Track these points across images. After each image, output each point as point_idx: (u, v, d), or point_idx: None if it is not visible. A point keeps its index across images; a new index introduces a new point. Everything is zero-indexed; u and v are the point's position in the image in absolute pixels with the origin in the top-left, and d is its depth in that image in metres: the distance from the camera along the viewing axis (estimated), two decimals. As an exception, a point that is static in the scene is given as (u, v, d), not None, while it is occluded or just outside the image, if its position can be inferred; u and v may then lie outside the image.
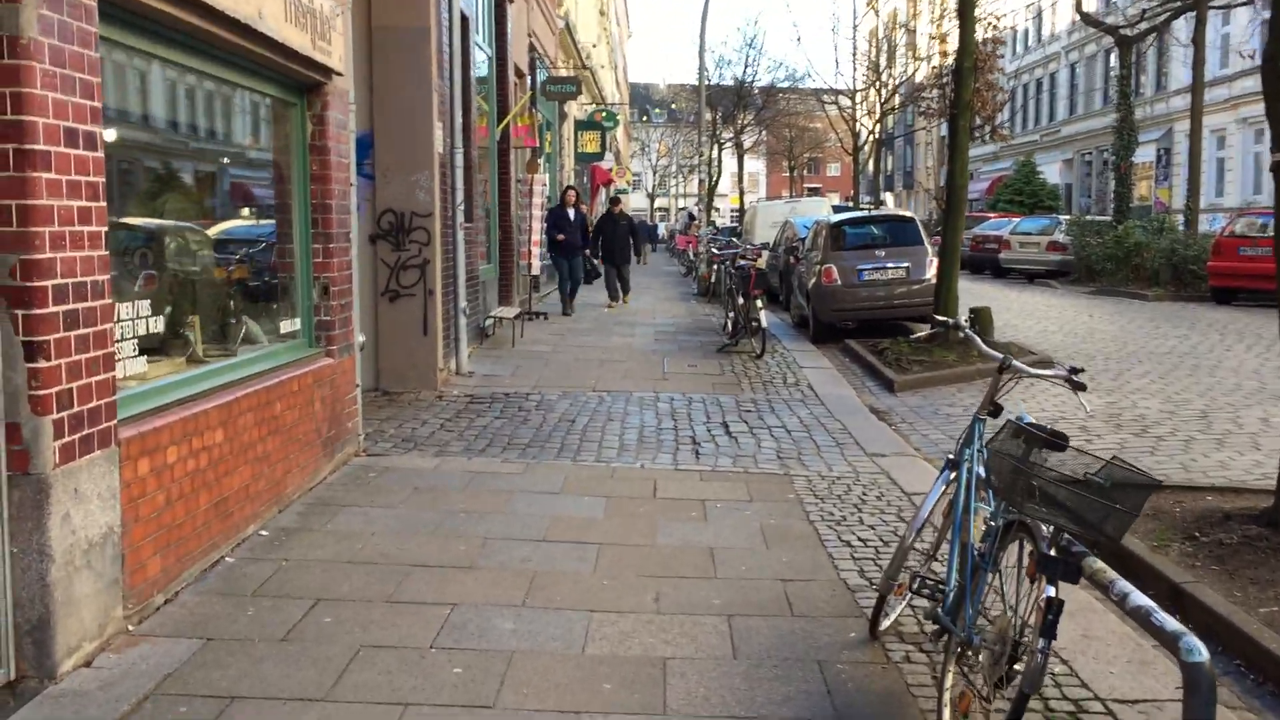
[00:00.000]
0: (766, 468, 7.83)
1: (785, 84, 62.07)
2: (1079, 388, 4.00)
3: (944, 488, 4.37)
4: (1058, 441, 3.49)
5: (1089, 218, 27.78)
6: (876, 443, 8.68)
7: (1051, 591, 3.20)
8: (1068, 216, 28.42)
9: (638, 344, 14.45)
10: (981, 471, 4.16)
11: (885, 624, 4.59)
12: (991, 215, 33.94)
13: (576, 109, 29.88)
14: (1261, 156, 33.38)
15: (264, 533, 5.78)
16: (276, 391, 6.14)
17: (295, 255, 7.00)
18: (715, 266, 20.97)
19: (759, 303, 13.24)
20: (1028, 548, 3.47)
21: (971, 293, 17.90)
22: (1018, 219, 30.53)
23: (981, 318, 13.02)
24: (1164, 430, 8.95)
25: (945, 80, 12.76)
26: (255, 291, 6.98)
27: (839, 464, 7.95)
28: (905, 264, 14.93)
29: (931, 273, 14.82)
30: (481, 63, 15.02)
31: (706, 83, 51.87)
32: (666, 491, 7.03)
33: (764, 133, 67.28)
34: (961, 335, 4.47)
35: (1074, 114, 47.48)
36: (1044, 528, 3.37)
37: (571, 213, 18.16)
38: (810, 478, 7.49)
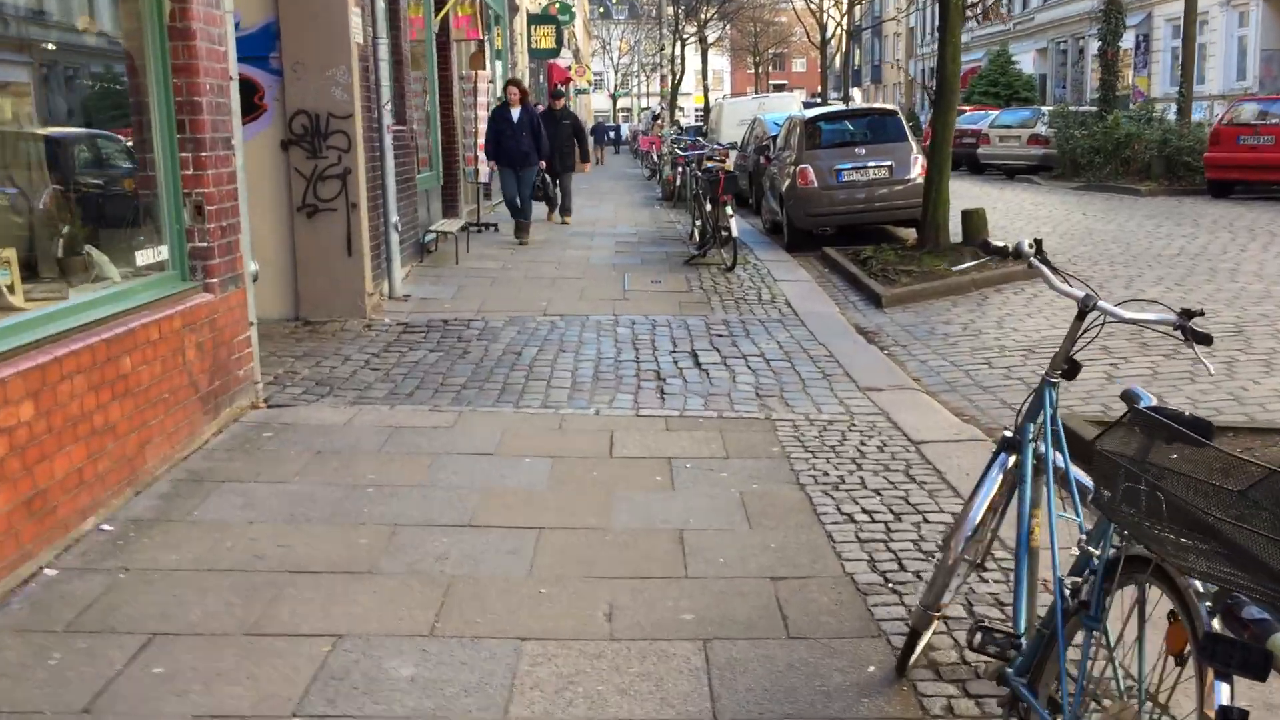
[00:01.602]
0: (744, 410, 6.62)
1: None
2: (1200, 340, 2.80)
3: (999, 476, 3.16)
4: (1196, 437, 2.24)
5: (1073, 108, 26.39)
6: (869, 373, 7.48)
7: (1224, 696, 2.00)
8: (1050, 108, 27.04)
9: (596, 258, 13.12)
10: (1060, 461, 2.95)
11: (915, 651, 3.43)
12: (967, 108, 32.39)
13: (529, 1, 28.01)
14: (1246, 39, 32.01)
15: (107, 527, 4.51)
16: (124, 342, 4.82)
17: (157, 167, 5.61)
18: (680, 169, 19.57)
19: (729, 209, 11.93)
20: (1159, 600, 2.27)
21: (950, 191, 16.66)
22: (995, 111, 29.12)
23: (975, 221, 11.79)
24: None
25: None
26: (104, 215, 5.62)
27: (829, 403, 6.75)
28: (888, 162, 13.60)
29: (917, 171, 13.56)
30: (413, -57, 13.37)
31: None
32: (625, 447, 5.81)
33: (728, 27, 65.14)
34: (1027, 265, 3.23)
35: (1048, 0, 45.68)
36: (1196, 582, 2.16)
37: (516, 113, 14.63)
38: (796, 422, 6.29)
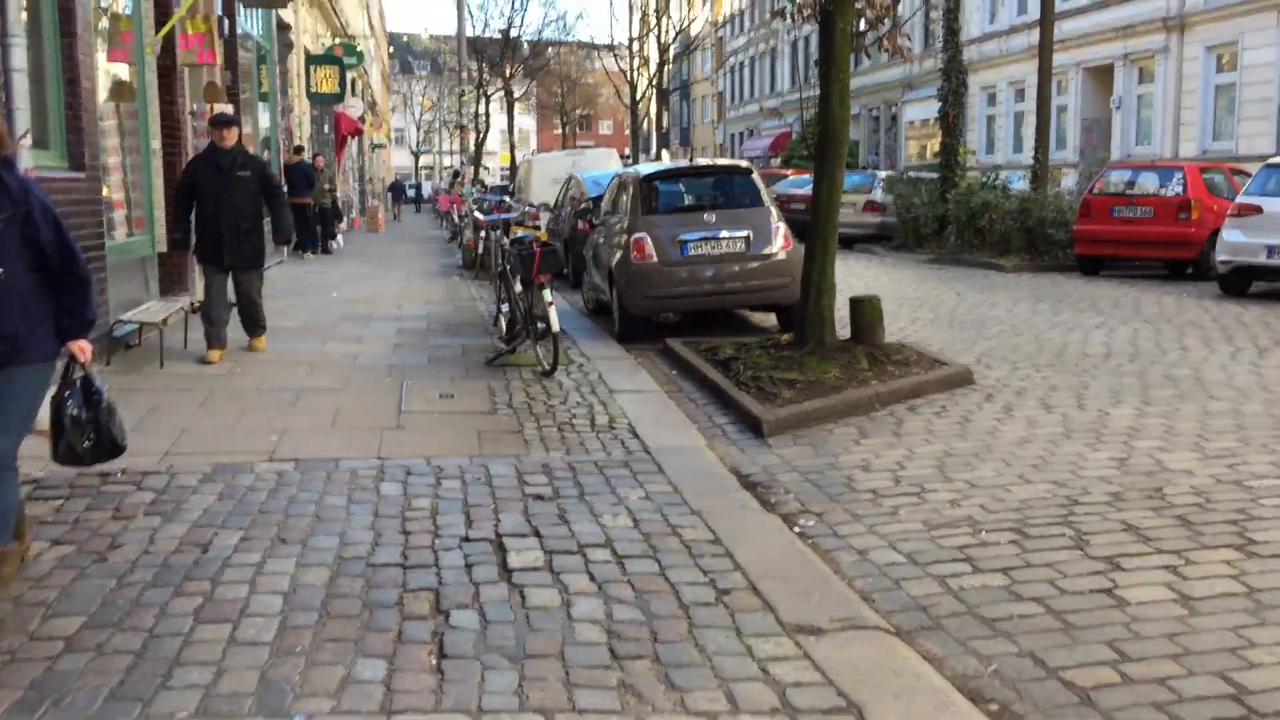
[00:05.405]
0: (594, 706, 3.51)
1: (557, 36, 57.84)
2: None
3: None
4: None
5: (912, 174, 24.64)
6: (789, 589, 4.49)
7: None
8: (887, 173, 25.23)
9: (368, 355, 9.82)
10: None
11: None
12: (789, 172, 30.49)
13: (311, 40, 24.54)
14: (1066, 109, 31.36)
15: None
16: None
17: None
18: (484, 234, 16.50)
19: (546, 293, 8.88)
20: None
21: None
22: (823, 176, 27.18)
23: (868, 313, 9.09)
24: (1269, 521, 5.12)
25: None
26: None
27: (744, 676, 3.72)
28: (744, 233, 10.84)
29: (780, 243, 10.89)
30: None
31: (470, 30, 46.81)
32: None
33: (534, 84, 63.01)
34: None
35: (859, 66, 44.98)
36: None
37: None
38: (699, 746, 3.24)
